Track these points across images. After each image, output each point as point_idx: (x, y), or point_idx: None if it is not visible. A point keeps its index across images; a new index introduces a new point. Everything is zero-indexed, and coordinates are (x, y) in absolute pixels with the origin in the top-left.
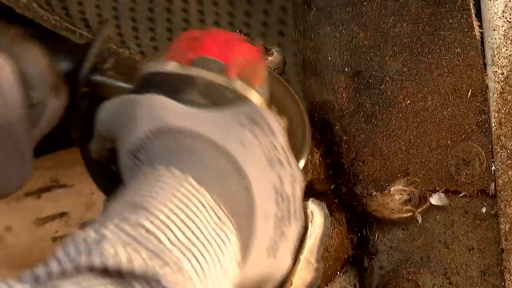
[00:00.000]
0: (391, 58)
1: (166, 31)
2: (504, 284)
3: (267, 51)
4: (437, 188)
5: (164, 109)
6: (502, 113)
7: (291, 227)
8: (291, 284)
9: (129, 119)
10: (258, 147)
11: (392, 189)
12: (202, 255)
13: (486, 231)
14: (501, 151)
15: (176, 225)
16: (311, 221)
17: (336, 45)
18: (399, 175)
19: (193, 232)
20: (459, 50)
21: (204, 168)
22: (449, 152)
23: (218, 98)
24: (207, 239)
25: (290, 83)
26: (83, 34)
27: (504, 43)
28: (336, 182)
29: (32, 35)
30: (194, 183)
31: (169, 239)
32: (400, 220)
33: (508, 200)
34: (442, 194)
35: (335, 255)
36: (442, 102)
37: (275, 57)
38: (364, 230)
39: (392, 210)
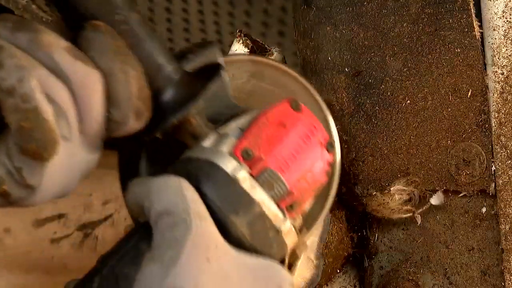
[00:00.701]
0: (391, 58)
1: (166, 31)
2: (504, 284)
3: (267, 51)
4: (437, 188)
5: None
6: (502, 113)
7: None
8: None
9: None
10: None
11: (392, 189)
12: None
13: (486, 231)
14: (501, 151)
15: None
16: None
17: (336, 45)
18: (399, 175)
19: None
20: (459, 50)
21: None
22: (449, 152)
23: (260, 236)
24: None
25: None
26: None
27: (504, 43)
28: None
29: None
30: None
31: None
32: (400, 220)
33: (508, 200)
34: (441, 194)
35: (335, 252)
36: (442, 102)
37: (275, 57)
38: (364, 230)
39: (392, 210)
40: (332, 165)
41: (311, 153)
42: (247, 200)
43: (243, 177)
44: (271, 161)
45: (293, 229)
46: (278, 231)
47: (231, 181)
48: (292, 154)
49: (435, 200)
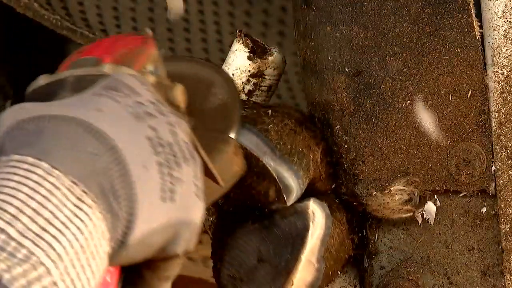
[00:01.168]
0: (391, 58)
1: (166, 31)
2: (504, 284)
3: (267, 51)
4: (437, 188)
5: (27, 106)
6: (502, 113)
7: (182, 168)
8: (292, 284)
9: None
10: (119, 108)
11: (392, 189)
12: (58, 240)
13: (486, 231)
14: (501, 151)
15: (27, 215)
16: (312, 221)
17: (336, 45)
18: (399, 175)
19: (46, 219)
20: (459, 50)
21: (60, 147)
22: (449, 152)
23: (89, 86)
24: (63, 223)
25: (290, 83)
26: (84, 34)
27: (504, 43)
28: (336, 182)
29: None
30: (46, 166)
31: (19, 231)
32: (400, 220)
33: (508, 200)
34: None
35: (336, 255)
36: (442, 102)
37: (275, 57)
38: (364, 230)
39: (392, 210)
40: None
41: (117, 38)
42: (55, 82)
43: (48, 76)
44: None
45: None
46: (103, 73)
47: (43, 86)
48: (99, 45)
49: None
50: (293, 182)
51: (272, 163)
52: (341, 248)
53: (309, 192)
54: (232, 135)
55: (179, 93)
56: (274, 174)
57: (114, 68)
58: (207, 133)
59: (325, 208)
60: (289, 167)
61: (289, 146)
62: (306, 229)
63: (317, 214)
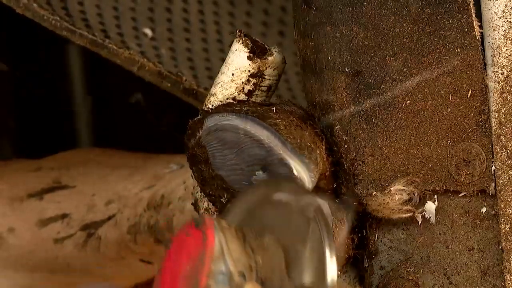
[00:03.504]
0: (391, 58)
1: (166, 31)
2: (504, 284)
3: (267, 51)
4: (437, 188)
5: None
6: (502, 113)
7: None
8: None
9: None
10: None
11: (392, 189)
12: None
13: (486, 231)
14: (501, 151)
15: None
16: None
17: (336, 45)
18: (399, 175)
19: None
20: (459, 50)
21: None
22: (449, 152)
23: None
24: None
25: (290, 83)
26: (83, 35)
27: (504, 43)
28: (336, 182)
29: None
30: None
31: None
32: (400, 220)
33: (508, 200)
34: (432, 205)
35: (336, 254)
36: (442, 102)
37: (275, 57)
38: (364, 230)
39: (392, 210)
40: None
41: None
42: None
43: None
44: None
45: None
46: None
47: None
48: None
49: (428, 210)
50: (306, 175)
51: (284, 156)
52: (341, 248)
53: (312, 190)
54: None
55: None
56: (292, 165)
57: None
58: None
59: (326, 207)
60: (301, 160)
61: (298, 140)
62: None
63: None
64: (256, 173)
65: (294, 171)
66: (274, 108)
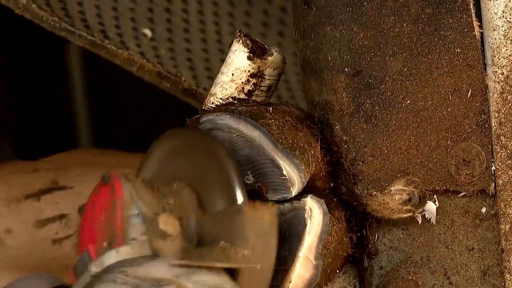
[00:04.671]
0: (391, 58)
1: (166, 31)
2: (504, 284)
3: (267, 51)
4: (437, 188)
5: None
6: (502, 113)
7: None
8: (290, 282)
9: None
10: None
11: (392, 189)
12: None
13: (486, 231)
14: (501, 151)
15: None
16: (309, 218)
17: (336, 45)
18: (399, 175)
19: None
20: (459, 50)
21: None
22: (449, 152)
23: None
24: None
25: (290, 83)
26: (83, 35)
27: (504, 43)
28: (336, 181)
29: None
30: None
31: None
32: (400, 220)
33: (508, 200)
34: (433, 205)
35: (334, 253)
36: (442, 102)
37: (274, 57)
38: (364, 230)
39: (392, 210)
40: None
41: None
42: None
43: None
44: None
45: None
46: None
47: None
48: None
49: (428, 210)
50: (295, 176)
51: (274, 156)
52: (339, 246)
53: (307, 190)
54: (238, 197)
55: (163, 225)
56: (281, 166)
57: (100, 264)
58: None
59: (322, 205)
60: (291, 161)
61: (290, 141)
62: (303, 225)
63: (314, 211)
64: (246, 177)
65: (284, 172)
66: (271, 108)
